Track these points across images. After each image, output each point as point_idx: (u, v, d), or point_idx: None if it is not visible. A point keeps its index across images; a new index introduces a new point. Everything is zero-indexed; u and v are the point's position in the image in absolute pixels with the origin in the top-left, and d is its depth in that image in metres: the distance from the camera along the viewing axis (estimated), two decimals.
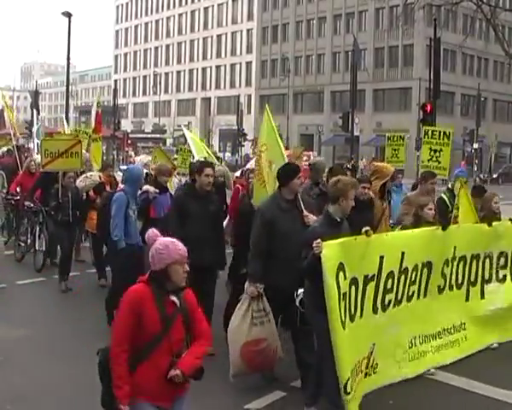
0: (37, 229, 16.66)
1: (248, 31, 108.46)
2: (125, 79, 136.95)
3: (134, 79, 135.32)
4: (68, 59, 45.90)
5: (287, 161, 9.89)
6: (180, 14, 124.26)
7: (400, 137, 19.04)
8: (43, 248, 16.33)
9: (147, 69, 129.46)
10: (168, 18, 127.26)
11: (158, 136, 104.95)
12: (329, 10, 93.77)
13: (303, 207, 9.08)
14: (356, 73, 49.99)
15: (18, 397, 8.68)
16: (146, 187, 12.34)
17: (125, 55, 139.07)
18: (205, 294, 9.59)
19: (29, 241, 17.12)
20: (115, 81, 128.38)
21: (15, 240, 18.15)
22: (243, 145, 77.22)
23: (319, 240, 7.42)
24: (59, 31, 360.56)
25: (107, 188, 15.17)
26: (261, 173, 10.28)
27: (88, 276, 15.67)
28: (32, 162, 18.82)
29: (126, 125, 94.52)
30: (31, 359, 10.11)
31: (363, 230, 8.00)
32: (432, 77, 34.87)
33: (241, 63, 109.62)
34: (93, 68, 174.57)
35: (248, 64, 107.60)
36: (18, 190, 18.63)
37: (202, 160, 14.42)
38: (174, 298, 5.51)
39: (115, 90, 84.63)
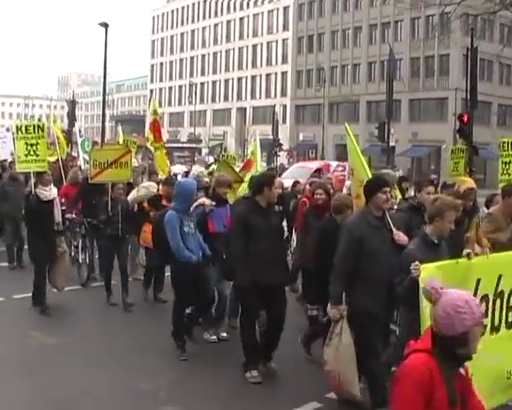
0: (80, 241, 16.62)
1: (284, 41, 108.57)
2: (160, 89, 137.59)
3: (170, 88, 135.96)
4: (105, 69, 46.32)
5: (369, 175, 9.33)
6: (216, 25, 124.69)
7: (461, 150, 18.28)
8: (87, 261, 16.23)
9: (182, 79, 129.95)
10: (204, 28, 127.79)
11: (193, 145, 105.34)
12: (365, 20, 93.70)
13: (392, 225, 8.56)
14: (392, 82, 49.83)
15: (56, 404, 8.81)
16: (201, 200, 11.85)
17: (161, 64, 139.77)
18: (276, 316, 9.86)
19: (72, 253, 16.68)
20: (151, 91, 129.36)
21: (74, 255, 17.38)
22: (279, 155, 77.12)
23: (417, 262, 7.01)
24: (96, 41, 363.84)
25: (164, 202, 14.22)
26: (359, 196, 9.42)
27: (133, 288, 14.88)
28: (79, 173, 18.67)
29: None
30: (67, 367, 10.19)
31: (465, 252, 7.60)
32: (469, 87, 34.66)
33: (276, 73, 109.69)
34: (129, 78, 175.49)
35: (284, 74, 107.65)
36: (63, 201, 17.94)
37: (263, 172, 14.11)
38: (462, 370, 4.38)
39: (151, 100, 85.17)
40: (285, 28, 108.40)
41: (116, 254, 14.47)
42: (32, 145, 13.95)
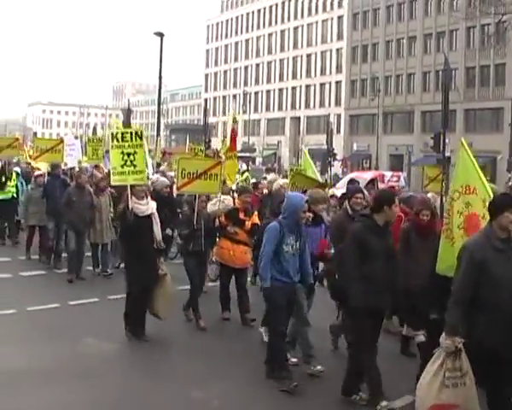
0: None
1: (338, 50, 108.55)
2: (215, 98, 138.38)
3: (224, 97, 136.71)
4: (160, 78, 46.78)
5: (490, 194, 8.31)
6: (270, 34, 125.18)
7: None
8: None
9: (236, 88, 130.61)
10: (258, 37, 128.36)
11: (247, 154, 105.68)
12: (420, 29, 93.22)
13: None
14: (447, 92, 49.59)
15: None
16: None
17: (215, 74, 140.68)
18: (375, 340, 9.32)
19: None
20: (205, 100, 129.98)
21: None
22: (333, 165, 77.14)
23: None
24: (150, 50, 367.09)
25: (241, 215, 13.81)
26: (450, 229, 8.75)
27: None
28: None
29: (216, 143, 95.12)
30: (121, 373, 10.42)
31: None
32: None
33: (330, 83, 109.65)
34: (184, 87, 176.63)
35: (338, 83, 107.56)
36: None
37: (386, 189, 13.51)
38: None
39: (205, 109, 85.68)
40: (339, 38, 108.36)
41: (198, 271, 13.68)
42: (128, 155, 12.64)
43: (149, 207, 12.63)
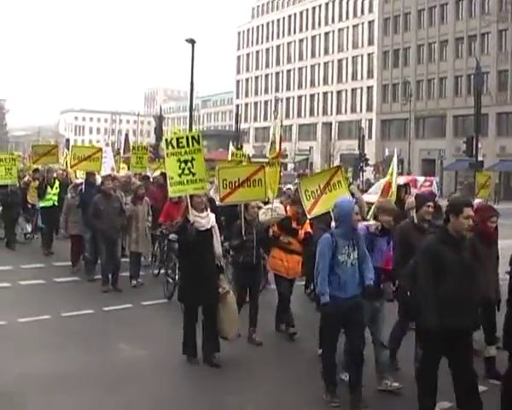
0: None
1: (369, 55, 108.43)
2: (246, 104, 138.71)
3: (255, 103, 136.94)
4: (192, 85, 46.96)
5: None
6: (301, 40, 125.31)
7: None
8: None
9: (268, 94, 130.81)
10: (289, 43, 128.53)
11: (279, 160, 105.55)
12: (451, 33, 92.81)
13: None
14: (479, 96, 49.54)
15: None
16: (367, 223, 10.59)
17: (247, 80, 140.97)
18: (461, 365, 8.39)
19: (177, 277, 15.00)
20: (237, 106, 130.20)
21: (164, 275, 16.75)
22: (365, 170, 77.11)
23: None
24: (182, 57, 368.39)
25: (294, 224, 13.16)
26: None
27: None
28: None
29: (248, 149, 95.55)
30: (155, 378, 10.43)
31: None
32: None
33: (362, 88, 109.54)
34: (215, 93, 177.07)
35: (369, 88, 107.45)
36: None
37: (458, 198, 12.63)
38: None
39: (237, 115, 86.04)
40: (370, 43, 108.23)
41: (248, 286, 12.96)
42: (186, 162, 11.54)
43: (210, 219, 11.54)
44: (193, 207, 11.40)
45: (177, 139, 11.73)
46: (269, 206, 13.70)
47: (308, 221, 13.28)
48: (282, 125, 16.82)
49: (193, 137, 11.79)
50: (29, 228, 25.50)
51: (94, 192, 18.46)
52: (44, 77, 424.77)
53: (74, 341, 12.40)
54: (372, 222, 10.36)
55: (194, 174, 11.58)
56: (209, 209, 11.83)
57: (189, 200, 11.46)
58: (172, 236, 14.94)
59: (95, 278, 18.00)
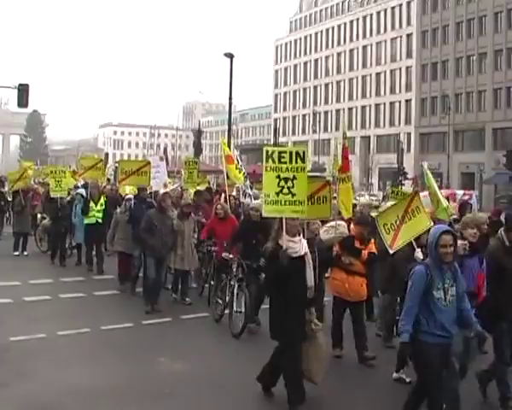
0: (236, 286, 14.39)
1: (407, 68, 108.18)
2: (284, 118, 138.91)
3: (293, 117, 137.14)
4: (230, 99, 47.11)
5: None
6: (339, 53, 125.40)
7: None
8: (242, 310, 14.00)
9: (306, 108, 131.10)
10: (327, 57, 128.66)
11: (317, 174, 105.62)
12: (490, 45, 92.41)
13: None
14: None
15: None
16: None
17: (285, 94, 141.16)
18: None
19: (227, 298, 14.75)
20: (275, 120, 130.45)
21: (213, 296, 16.07)
22: (403, 184, 76.83)
23: None
24: (219, 71, 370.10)
25: (358, 244, 12.59)
26: None
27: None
28: (219, 206, 17.19)
29: None
30: (193, 393, 10.45)
31: None
32: None
33: (400, 101, 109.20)
34: (253, 107, 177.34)
35: (408, 102, 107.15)
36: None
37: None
38: None
39: (275, 129, 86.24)
40: (408, 56, 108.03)
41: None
42: (286, 180, 10.10)
43: (303, 245, 10.12)
44: (286, 230, 9.97)
45: (279, 153, 10.31)
46: (331, 223, 13.05)
47: (373, 241, 12.81)
48: (345, 137, 15.88)
49: (297, 154, 10.33)
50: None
51: (145, 207, 18.05)
52: (83, 91, 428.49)
53: (114, 354, 12.52)
54: (459, 242, 9.13)
55: (293, 195, 10.11)
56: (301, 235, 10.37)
57: (283, 223, 10.01)
58: (225, 254, 14.90)
59: (136, 292, 17.90)
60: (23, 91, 40.63)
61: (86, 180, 24.61)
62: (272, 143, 79.42)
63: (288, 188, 10.06)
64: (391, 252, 11.76)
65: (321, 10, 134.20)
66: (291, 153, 10.24)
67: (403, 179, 77.31)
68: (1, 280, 19.37)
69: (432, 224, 11.17)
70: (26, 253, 25.64)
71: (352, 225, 13.35)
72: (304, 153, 10.35)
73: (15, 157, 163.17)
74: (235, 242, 15.17)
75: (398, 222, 11.66)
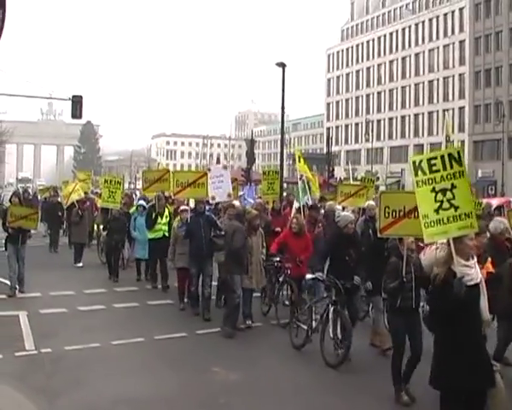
0: (331, 310, 12.87)
1: (460, 75, 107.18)
2: (337, 127, 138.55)
3: (346, 126, 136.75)
4: (283, 108, 47.16)
5: None
6: (391, 61, 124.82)
7: None
8: (339, 337, 12.65)
9: (359, 116, 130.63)
10: (379, 65, 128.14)
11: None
12: None
13: None
14: None
15: None
16: None
17: (337, 102, 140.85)
18: None
19: (314, 323, 13.53)
20: (328, 129, 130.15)
21: (291, 319, 14.80)
22: None
23: None
24: (271, 80, 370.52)
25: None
26: None
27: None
28: (295, 220, 16.30)
29: (339, 172, 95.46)
30: (249, 403, 10.55)
31: None
32: None
33: (453, 109, 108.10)
34: (305, 116, 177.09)
35: (461, 109, 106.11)
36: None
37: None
38: None
39: (328, 138, 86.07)
40: (461, 62, 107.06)
41: (407, 334, 10.69)
42: (443, 192, 8.51)
43: (477, 270, 8.36)
44: (457, 252, 8.14)
45: (429, 161, 8.59)
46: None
47: (490, 259, 11.41)
48: (448, 140, 12.41)
49: (450, 156, 8.60)
50: (126, 254, 24.35)
51: (202, 222, 17.08)
52: (136, 102, 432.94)
53: (167, 364, 12.62)
54: None
55: (456, 208, 8.35)
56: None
57: (452, 244, 8.21)
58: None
59: (199, 312, 17.10)
60: (77, 103, 41.48)
61: (150, 193, 23.64)
62: (325, 152, 79.12)
63: (448, 200, 8.37)
64: (378, 235, 11.21)
65: (372, 18, 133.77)
66: (443, 157, 8.54)
67: None
68: (56, 290, 19.74)
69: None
70: (80, 264, 25.82)
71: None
72: (459, 153, 8.68)
73: (70, 168, 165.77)
74: (325, 257, 13.91)
75: (401, 213, 10.73)
